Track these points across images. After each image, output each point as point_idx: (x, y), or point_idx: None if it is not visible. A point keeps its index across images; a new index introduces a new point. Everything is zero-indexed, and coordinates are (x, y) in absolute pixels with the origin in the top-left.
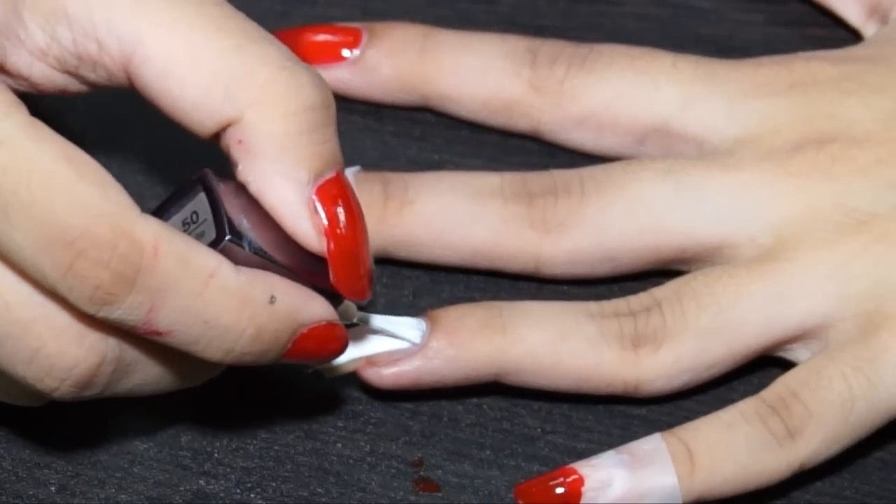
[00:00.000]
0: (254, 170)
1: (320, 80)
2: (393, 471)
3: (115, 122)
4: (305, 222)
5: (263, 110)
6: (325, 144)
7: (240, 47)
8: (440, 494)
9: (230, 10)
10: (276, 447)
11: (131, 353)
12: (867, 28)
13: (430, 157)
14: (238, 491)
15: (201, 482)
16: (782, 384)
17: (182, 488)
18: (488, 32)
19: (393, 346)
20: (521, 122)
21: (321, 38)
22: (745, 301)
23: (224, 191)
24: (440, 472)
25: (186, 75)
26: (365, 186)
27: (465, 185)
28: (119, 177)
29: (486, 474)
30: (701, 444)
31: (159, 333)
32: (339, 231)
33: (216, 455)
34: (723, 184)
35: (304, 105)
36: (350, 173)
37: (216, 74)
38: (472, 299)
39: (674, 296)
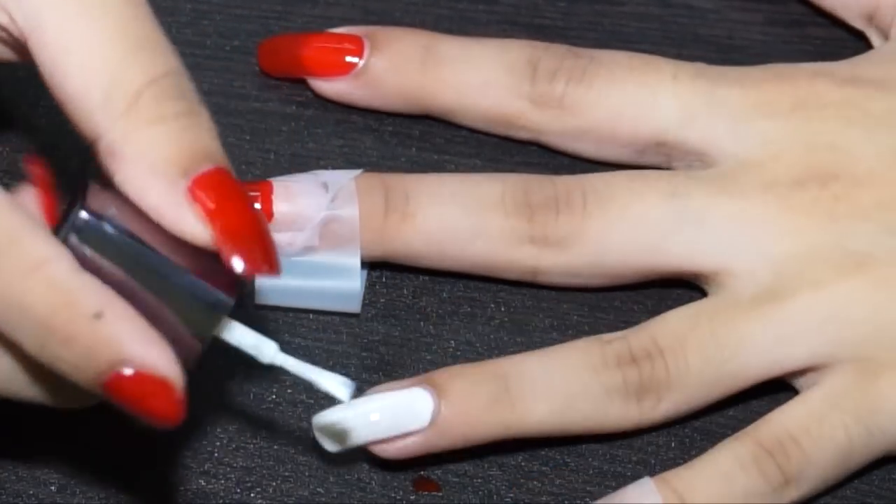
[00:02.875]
0: (127, 179)
1: (187, 86)
2: (393, 470)
3: None
4: (186, 217)
5: (131, 121)
6: (197, 143)
7: (128, 54)
8: (440, 494)
9: (140, 11)
10: (275, 447)
11: None
12: (869, 32)
13: (429, 157)
14: (238, 491)
15: (201, 482)
16: (781, 426)
17: (182, 488)
18: (490, 40)
19: (398, 426)
20: (521, 134)
21: (322, 48)
22: (748, 348)
23: (104, 197)
24: (440, 471)
25: (73, 71)
26: (366, 197)
27: (467, 194)
28: None
29: (486, 474)
30: (697, 497)
31: None
32: (221, 212)
33: (216, 455)
34: (725, 213)
35: (171, 113)
36: (352, 175)
37: (98, 79)
38: (472, 299)
39: (677, 345)
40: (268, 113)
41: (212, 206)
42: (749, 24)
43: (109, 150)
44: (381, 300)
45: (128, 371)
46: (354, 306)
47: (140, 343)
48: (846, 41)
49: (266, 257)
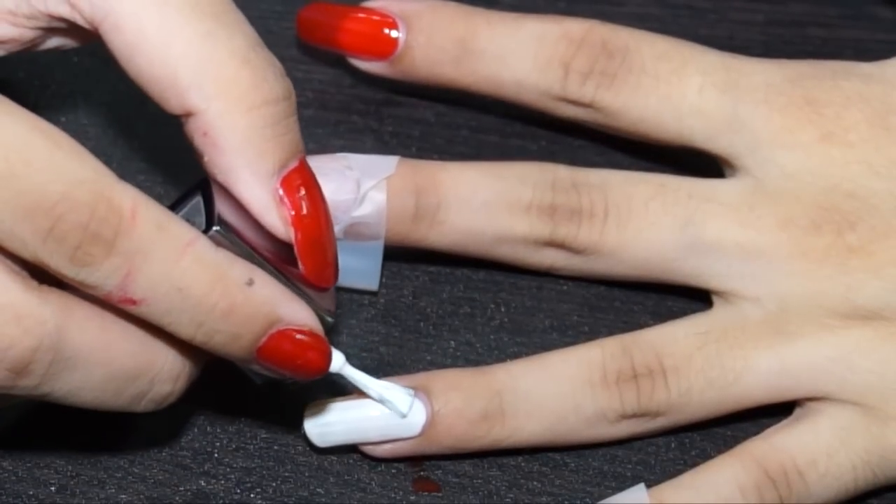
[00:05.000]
0: (220, 163)
1: (281, 72)
2: (393, 471)
3: (115, 122)
4: (272, 213)
5: (228, 105)
6: (288, 135)
7: (210, 34)
8: (440, 494)
9: None
10: (276, 447)
11: (71, 347)
12: None
13: (429, 157)
14: (238, 491)
15: (201, 482)
16: (787, 454)
17: (182, 488)
18: (527, 26)
19: (389, 433)
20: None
21: (359, 34)
22: (752, 375)
23: (218, 191)
24: (440, 472)
25: (155, 54)
26: (396, 200)
27: (497, 201)
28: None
29: (486, 474)
30: None
31: (134, 302)
32: (304, 220)
33: (216, 455)
34: (738, 244)
35: (266, 99)
36: (382, 167)
37: (185, 60)
38: (471, 299)
39: (682, 364)
40: None
41: (293, 213)
42: (749, 24)
43: (202, 130)
44: (381, 300)
45: (293, 334)
46: (373, 284)
47: (289, 301)
48: (845, 42)
49: (330, 276)
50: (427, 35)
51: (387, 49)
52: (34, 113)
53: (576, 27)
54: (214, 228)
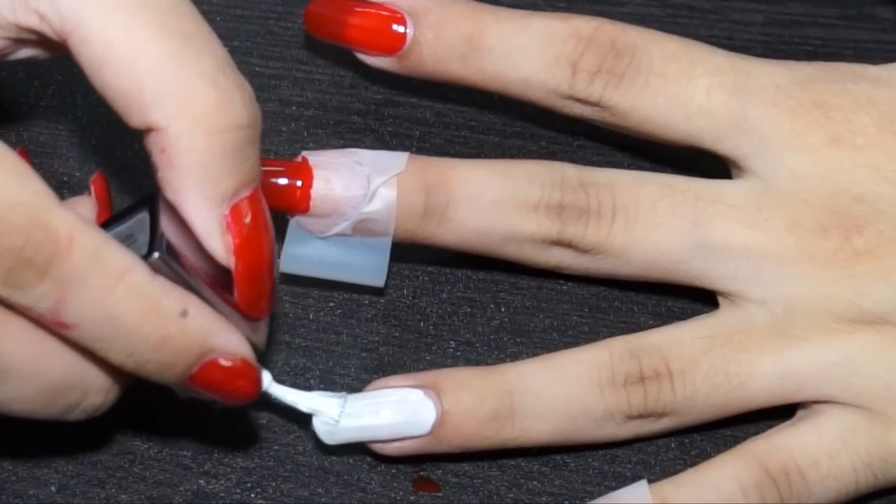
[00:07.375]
0: (172, 181)
1: (250, 97)
2: (393, 471)
3: (115, 122)
4: (216, 239)
5: (190, 125)
6: (246, 163)
7: (178, 53)
8: (440, 494)
9: (177, 4)
10: (276, 447)
11: (4, 360)
12: None
13: (429, 157)
14: (238, 491)
15: (201, 482)
16: (789, 454)
17: (182, 488)
18: (535, 23)
19: (399, 432)
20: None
21: (367, 29)
22: (757, 379)
23: (165, 208)
24: (440, 471)
25: (121, 68)
26: (405, 197)
27: (506, 201)
28: (119, 177)
29: (486, 474)
30: None
31: (66, 326)
32: (246, 250)
33: (216, 455)
34: (745, 245)
35: (230, 124)
36: (393, 163)
37: (150, 76)
38: (471, 299)
39: (688, 368)
40: (268, 113)
41: (237, 242)
42: (749, 25)
43: (160, 147)
44: (381, 300)
45: (224, 362)
46: (379, 280)
47: (222, 331)
48: (845, 42)
49: (264, 308)
50: (435, 31)
51: (394, 45)
52: (34, 115)
53: (584, 25)
54: (155, 255)
